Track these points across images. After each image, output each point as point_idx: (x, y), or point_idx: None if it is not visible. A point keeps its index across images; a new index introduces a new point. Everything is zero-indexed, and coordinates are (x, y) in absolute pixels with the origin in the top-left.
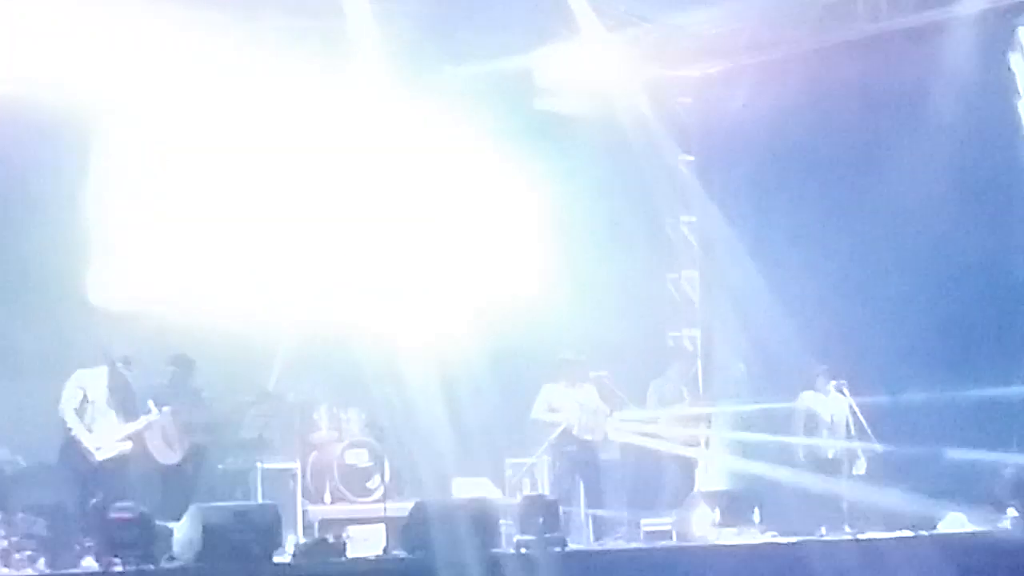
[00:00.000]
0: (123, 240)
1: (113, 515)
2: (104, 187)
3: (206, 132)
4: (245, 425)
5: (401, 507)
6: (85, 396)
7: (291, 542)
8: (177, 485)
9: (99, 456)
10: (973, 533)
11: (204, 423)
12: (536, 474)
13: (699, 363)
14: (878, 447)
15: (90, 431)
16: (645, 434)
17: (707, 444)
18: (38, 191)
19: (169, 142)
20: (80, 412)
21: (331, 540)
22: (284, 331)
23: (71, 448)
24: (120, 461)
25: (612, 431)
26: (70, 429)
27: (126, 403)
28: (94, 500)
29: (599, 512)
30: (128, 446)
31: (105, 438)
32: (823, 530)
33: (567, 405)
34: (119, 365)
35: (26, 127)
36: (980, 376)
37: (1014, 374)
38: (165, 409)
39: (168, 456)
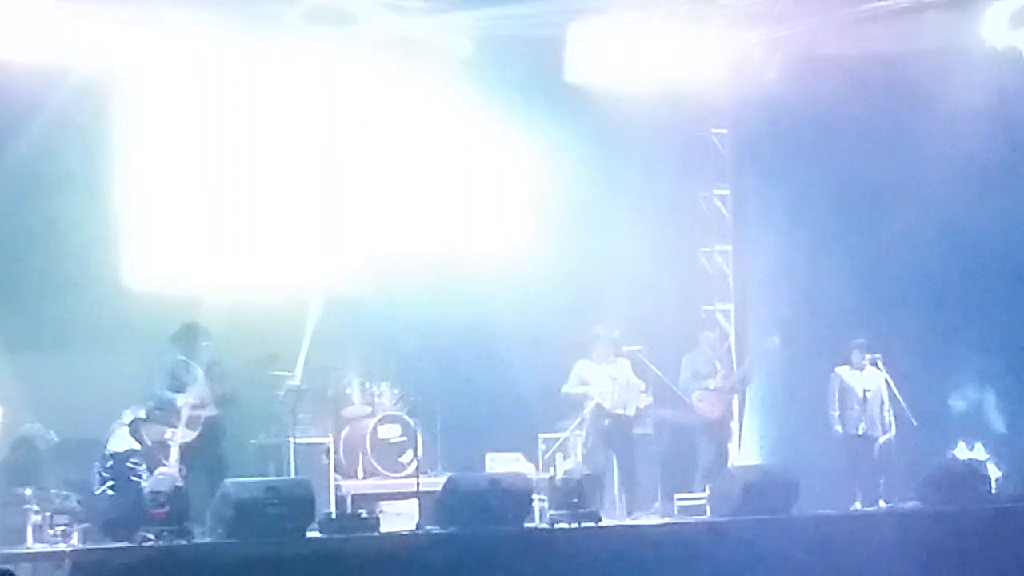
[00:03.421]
0: (150, 218)
1: (147, 491)
2: (129, 165)
3: (225, 106)
4: (278, 400)
5: (434, 482)
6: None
7: (324, 517)
8: (192, 461)
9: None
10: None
11: (219, 396)
12: (569, 449)
13: (732, 336)
14: (914, 421)
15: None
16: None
17: (741, 418)
18: (66, 168)
19: (193, 117)
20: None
21: (364, 515)
22: (316, 306)
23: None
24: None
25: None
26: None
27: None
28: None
29: (633, 487)
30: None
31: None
32: (857, 504)
33: (600, 380)
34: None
35: (53, 103)
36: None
37: None
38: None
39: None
